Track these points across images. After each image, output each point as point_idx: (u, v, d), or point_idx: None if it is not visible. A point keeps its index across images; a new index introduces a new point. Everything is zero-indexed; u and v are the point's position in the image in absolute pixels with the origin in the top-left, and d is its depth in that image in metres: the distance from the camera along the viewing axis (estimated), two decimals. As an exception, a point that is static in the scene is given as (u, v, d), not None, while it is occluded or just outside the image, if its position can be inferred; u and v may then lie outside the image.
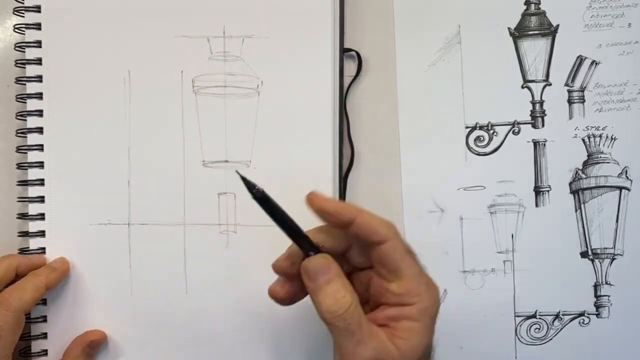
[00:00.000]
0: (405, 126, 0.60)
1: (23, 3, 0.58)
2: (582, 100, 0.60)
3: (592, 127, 0.60)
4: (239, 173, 0.45)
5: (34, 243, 0.57)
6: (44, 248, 0.57)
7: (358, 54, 0.60)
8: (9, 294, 0.52)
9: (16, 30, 0.58)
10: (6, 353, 0.51)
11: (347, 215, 0.45)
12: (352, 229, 0.45)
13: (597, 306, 0.60)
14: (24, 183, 0.57)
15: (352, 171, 0.60)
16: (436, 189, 0.60)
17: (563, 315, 0.60)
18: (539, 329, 0.60)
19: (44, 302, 0.57)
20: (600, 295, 0.59)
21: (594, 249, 0.60)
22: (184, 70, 0.58)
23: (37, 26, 0.58)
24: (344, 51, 0.59)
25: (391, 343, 0.44)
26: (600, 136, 0.60)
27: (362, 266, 0.48)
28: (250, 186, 0.45)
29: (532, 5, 0.60)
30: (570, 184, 0.60)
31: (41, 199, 0.57)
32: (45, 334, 0.57)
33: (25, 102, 0.58)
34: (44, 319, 0.57)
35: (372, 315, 0.46)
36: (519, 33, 0.60)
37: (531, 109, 0.60)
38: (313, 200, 0.47)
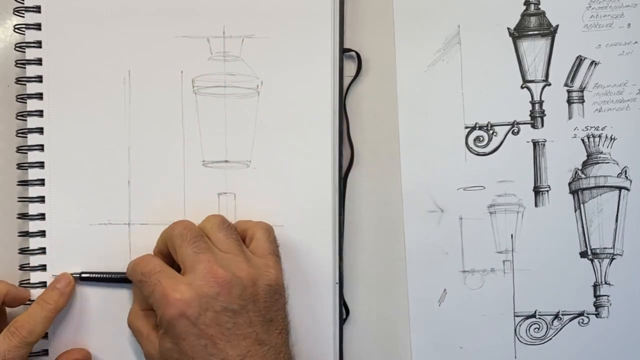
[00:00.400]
0: (405, 126, 0.60)
1: (23, 3, 0.58)
2: (582, 100, 0.60)
3: (592, 127, 0.60)
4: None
5: (34, 243, 0.57)
6: (44, 248, 0.57)
7: (358, 54, 0.60)
8: (21, 325, 0.53)
9: (16, 30, 0.58)
10: None
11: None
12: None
13: (597, 306, 0.60)
14: (24, 183, 0.57)
15: (352, 171, 0.60)
16: (436, 189, 0.60)
17: (562, 315, 0.60)
18: (539, 329, 0.60)
19: (44, 302, 0.57)
20: (600, 295, 0.59)
21: (594, 249, 0.60)
22: (184, 70, 0.58)
23: (37, 26, 0.58)
24: (344, 51, 0.59)
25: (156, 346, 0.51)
26: (600, 136, 0.60)
27: None
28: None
29: (532, 6, 0.60)
30: (569, 184, 0.60)
31: (41, 199, 0.57)
32: (46, 333, 0.57)
33: (25, 103, 0.58)
34: (44, 318, 0.57)
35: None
36: (518, 33, 0.60)
37: (531, 109, 0.60)
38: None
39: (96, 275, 0.56)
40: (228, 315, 0.47)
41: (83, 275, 0.56)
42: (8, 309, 0.57)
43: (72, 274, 0.56)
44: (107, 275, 0.56)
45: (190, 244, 0.50)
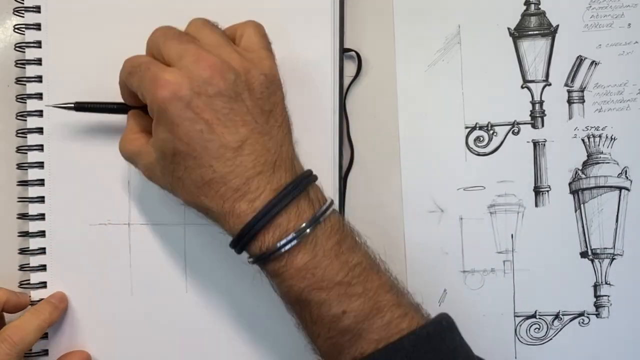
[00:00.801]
0: (405, 126, 0.60)
1: (23, 3, 0.58)
2: (582, 100, 0.60)
3: (592, 127, 0.60)
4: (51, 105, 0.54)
5: (34, 243, 0.57)
6: (44, 248, 0.57)
7: (358, 54, 0.60)
8: (13, 332, 0.52)
9: (16, 30, 0.58)
10: None
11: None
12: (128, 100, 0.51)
13: (597, 306, 0.60)
14: (24, 183, 0.57)
15: (352, 171, 0.60)
16: (436, 189, 0.60)
17: (563, 315, 0.60)
18: (539, 329, 0.60)
19: (44, 302, 0.57)
20: (600, 295, 0.59)
21: (594, 249, 0.60)
22: (184, 71, 0.58)
23: (37, 26, 0.58)
24: (344, 51, 0.59)
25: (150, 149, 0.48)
26: (600, 136, 0.60)
27: None
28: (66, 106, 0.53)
29: (532, 6, 0.60)
30: (570, 184, 0.60)
31: (41, 199, 0.57)
32: (46, 334, 0.57)
33: (25, 103, 0.58)
34: (44, 319, 0.57)
35: None
36: (518, 33, 0.60)
37: (531, 109, 0.60)
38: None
39: (90, 106, 0.54)
40: (223, 100, 0.44)
41: (78, 104, 0.54)
42: (7, 315, 0.57)
43: (65, 104, 0.53)
44: (102, 106, 0.54)
45: (175, 39, 0.47)
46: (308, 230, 0.45)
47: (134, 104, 0.52)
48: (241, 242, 0.45)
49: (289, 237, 0.44)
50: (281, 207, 0.44)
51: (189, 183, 0.46)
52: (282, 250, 0.45)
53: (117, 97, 0.58)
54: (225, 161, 0.44)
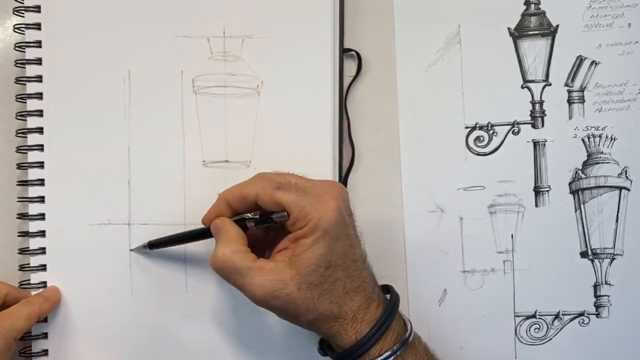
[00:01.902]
0: (405, 126, 0.60)
1: (23, 3, 0.58)
2: (582, 100, 0.60)
3: (592, 127, 0.60)
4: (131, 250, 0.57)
5: (34, 243, 0.57)
6: (44, 248, 0.57)
7: (358, 54, 0.60)
8: (2, 319, 0.53)
9: (16, 30, 0.58)
10: None
11: (222, 209, 0.52)
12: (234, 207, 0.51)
13: (597, 306, 0.60)
14: (24, 183, 0.57)
15: (352, 171, 0.60)
16: (436, 189, 0.60)
17: (563, 315, 0.60)
18: (539, 329, 0.60)
19: (44, 302, 0.57)
20: (600, 295, 0.59)
21: (594, 249, 0.60)
22: (184, 70, 0.58)
23: (37, 26, 0.58)
24: (344, 51, 0.59)
25: (285, 265, 0.48)
26: (600, 136, 0.60)
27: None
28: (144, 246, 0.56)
29: (532, 5, 0.60)
30: (570, 184, 0.60)
31: (41, 199, 0.57)
32: (46, 334, 0.57)
33: (25, 102, 0.58)
34: (44, 318, 0.57)
35: (277, 246, 0.50)
36: (518, 33, 0.60)
37: (531, 109, 0.60)
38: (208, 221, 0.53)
39: (164, 240, 0.55)
40: (353, 219, 0.51)
41: (151, 242, 0.56)
42: None
43: (142, 245, 0.56)
44: (177, 237, 0.55)
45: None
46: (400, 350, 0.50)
47: (228, 215, 0.52)
48: (360, 348, 0.49)
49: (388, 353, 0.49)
50: (386, 326, 0.50)
51: (331, 293, 0.49)
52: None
53: (115, 98, 0.58)
54: (361, 272, 0.50)
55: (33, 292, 0.57)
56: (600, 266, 0.59)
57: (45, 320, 0.57)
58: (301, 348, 0.58)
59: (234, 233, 0.50)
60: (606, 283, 0.59)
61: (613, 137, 0.60)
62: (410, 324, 0.52)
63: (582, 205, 0.60)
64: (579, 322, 0.60)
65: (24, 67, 0.58)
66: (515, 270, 0.60)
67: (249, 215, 0.50)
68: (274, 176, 0.50)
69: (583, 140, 0.60)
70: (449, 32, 0.61)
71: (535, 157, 0.60)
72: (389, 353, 0.49)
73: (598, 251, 0.60)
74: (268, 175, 0.51)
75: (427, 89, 0.60)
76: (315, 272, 0.48)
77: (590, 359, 0.59)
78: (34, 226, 0.57)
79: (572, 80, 0.60)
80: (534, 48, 0.60)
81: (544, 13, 0.60)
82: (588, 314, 0.60)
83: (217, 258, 0.49)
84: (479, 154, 0.60)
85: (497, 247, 0.60)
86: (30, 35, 0.58)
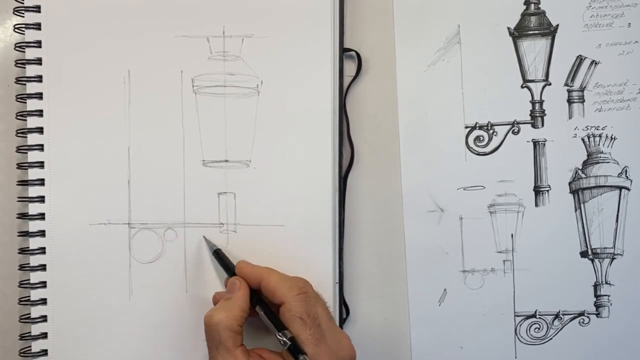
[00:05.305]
0: (405, 126, 0.60)
1: (23, 3, 0.58)
2: (582, 100, 0.60)
3: (592, 127, 0.60)
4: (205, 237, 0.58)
5: (34, 243, 0.57)
6: (44, 248, 0.57)
7: (358, 54, 0.60)
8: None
9: (16, 30, 0.58)
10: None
11: (254, 278, 0.53)
12: (262, 289, 0.52)
13: (597, 306, 0.60)
14: (24, 183, 0.57)
15: (352, 171, 0.60)
16: (436, 189, 0.60)
17: (563, 315, 0.60)
18: (539, 329, 0.60)
19: (44, 302, 0.57)
20: (600, 295, 0.59)
21: (594, 248, 0.60)
22: (183, 70, 0.58)
23: (37, 26, 0.58)
24: (344, 51, 0.59)
25: None
26: (600, 136, 0.60)
27: None
28: (210, 246, 0.57)
29: (532, 5, 0.60)
30: (570, 183, 0.60)
31: (41, 199, 0.57)
32: (46, 334, 0.57)
33: (25, 102, 0.58)
34: (44, 318, 0.57)
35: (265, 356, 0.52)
36: (518, 33, 0.60)
37: (531, 108, 0.60)
38: (238, 269, 0.54)
39: (223, 263, 0.56)
40: None
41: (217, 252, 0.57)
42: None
43: (211, 247, 0.57)
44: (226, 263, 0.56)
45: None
46: None
47: (250, 285, 0.53)
48: None
49: None
50: None
51: None
52: None
53: (115, 98, 0.58)
54: None
55: (32, 292, 0.57)
56: (601, 266, 0.59)
57: (44, 320, 0.57)
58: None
59: (240, 307, 0.52)
60: (606, 283, 0.59)
61: (613, 136, 0.60)
62: None
63: (582, 205, 0.60)
64: (579, 322, 0.60)
65: (24, 67, 0.58)
66: (515, 270, 0.60)
67: (284, 338, 0.50)
68: (307, 300, 0.51)
69: (583, 140, 0.60)
70: (449, 32, 0.61)
71: (535, 157, 0.60)
72: None
73: (598, 251, 0.59)
74: (304, 297, 0.51)
75: (427, 89, 0.60)
76: None
77: (590, 359, 0.59)
78: (34, 226, 0.57)
79: (572, 80, 0.60)
80: (534, 48, 0.60)
81: (543, 13, 0.60)
82: (588, 314, 0.60)
83: (211, 319, 0.51)
84: (479, 154, 0.60)
85: (497, 246, 0.60)
86: (30, 35, 0.58)
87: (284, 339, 0.49)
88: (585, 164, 0.60)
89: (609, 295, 0.59)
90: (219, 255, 0.56)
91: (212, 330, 0.50)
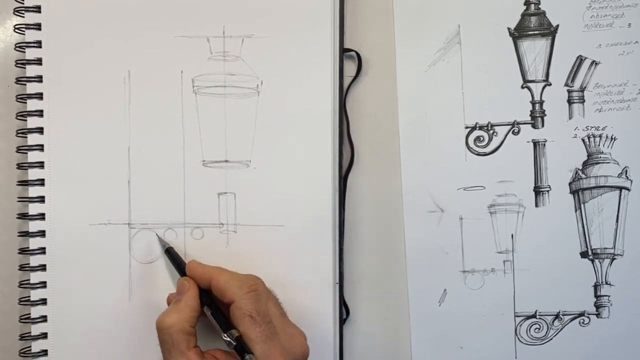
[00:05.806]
0: (405, 126, 0.60)
1: (23, 3, 0.58)
2: (582, 100, 0.60)
3: (592, 127, 0.60)
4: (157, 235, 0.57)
5: (34, 243, 0.57)
6: (44, 248, 0.57)
7: (358, 54, 0.60)
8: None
9: (16, 30, 0.58)
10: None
11: (204, 277, 0.52)
12: (212, 289, 0.52)
13: (597, 306, 0.60)
14: (24, 183, 0.57)
15: (352, 171, 0.60)
16: (436, 189, 0.60)
17: (563, 315, 0.60)
18: (539, 329, 0.60)
19: (44, 302, 0.57)
20: (600, 296, 0.59)
21: (594, 249, 0.60)
22: (183, 70, 0.58)
23: (37, 26, 0.58)
24: (344, 51, 0.59)
25: None
26: (600, 136, 0.60)
27: None
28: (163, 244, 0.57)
29: (532, 5, 0.60)
30: (570, 184, 0.60)
31: (41, 199, 0.57)
32: (46, 334, 0.57)
33: (25, 102, 0.58)
34: (44, 318, 0.57)
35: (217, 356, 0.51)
36: (518, 33, 0.60)
37: (531, 109, 0.60)
38: (188, 269, 0.54)
39: (174, 260, 0.56)
40: None
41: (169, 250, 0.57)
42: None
43: (163, 245, 0.57)
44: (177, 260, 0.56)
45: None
46: None
47: (199, 285, 0.53)
48: None
49: None
50: None
51: None
52: None
53: (115, 98, 0.58)
54: None
55: (32, 292, 0.57)
56: (601, 266, 0.59)
57: (44, 320, 0.57)
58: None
59: (190, 307, 0.51)
60: (606, 283, 0.59)
61: (613, 137, 0.60)
62: None
63: (582, 205, 0.60)
64: (579, 322, 0.60)
65: (24, 67, 0.58)
66: (515, 270, 0.60)
67: (229, 339, 0.50)
68: (257, 297, 0.50)
69: (583, 140, 0.60)
70: (449, 32, 0.61)
71: (535, 157, 0.60)
72: None
73: (598, 251, 0.59)
74: (254, 295, 0.51)
75: (427, 89, 0.60)
76: None
77: (590, 359, 0.59)
78: (34, 226, 0.57)
79: (572, 80, 0.60)
80: (534, 48, 0.60)
81: (544, 13, 0.60)
82: (588, 314, 0.60)
83: (163, 323, 0.50)
84: (479, 154, 0.60)
85: (497, 247, 0.60)
86: (30, 35, 0.58)
87: (229, 339, 0.49)
88: (586, 164, 0.60)
89: (609, 296, 0.59)
90: (170, 254, 0.56)
91: (164, 334, 0.50)
